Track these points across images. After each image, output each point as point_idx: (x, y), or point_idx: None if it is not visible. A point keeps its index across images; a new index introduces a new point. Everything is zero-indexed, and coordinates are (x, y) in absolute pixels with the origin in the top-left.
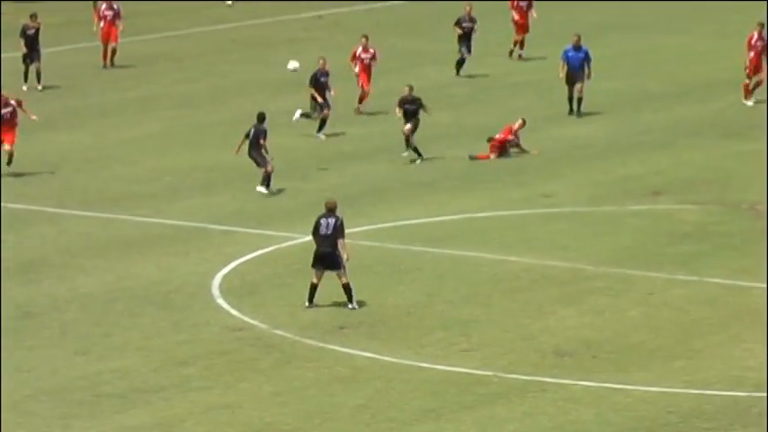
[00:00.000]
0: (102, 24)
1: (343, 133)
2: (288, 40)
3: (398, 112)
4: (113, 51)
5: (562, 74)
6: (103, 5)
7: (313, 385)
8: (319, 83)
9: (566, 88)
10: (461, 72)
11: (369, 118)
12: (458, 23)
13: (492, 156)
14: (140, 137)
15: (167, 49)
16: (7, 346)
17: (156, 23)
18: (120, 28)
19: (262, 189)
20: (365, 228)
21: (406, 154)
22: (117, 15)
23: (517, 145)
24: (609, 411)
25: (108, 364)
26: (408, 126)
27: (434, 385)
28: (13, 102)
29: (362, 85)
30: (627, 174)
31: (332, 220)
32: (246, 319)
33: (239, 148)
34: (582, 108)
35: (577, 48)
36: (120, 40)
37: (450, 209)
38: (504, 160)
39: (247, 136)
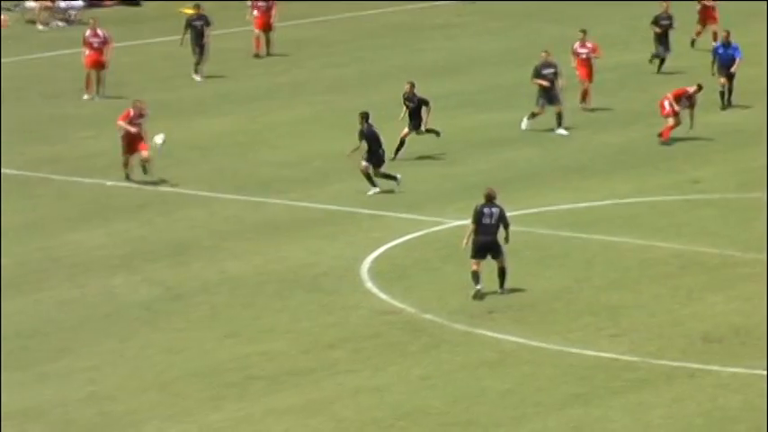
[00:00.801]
0: (256, 14)
1: (489, 119)
2: (440, 25)
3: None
4: (268, 40)
5: (714, 69)
6: None
7: (461, 369)
8: (542, 75)
9: (716, 80)
10: (662, 69)
11: (515, 103)
12: (655, 21)
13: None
14: (290, 121)
15: (317, 34)
16: (157, 327)
17: (307, 9)
18: (274, 19)
19: (375, 190)
20: (513, 213)
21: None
22: (271, 6)
23: (691, 106)
24: (757, 398)
25: (257, 346)
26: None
27: (582, 370)
28: (146, 113)
29: (582, 80)
30: None
31: (495, 210)
32: (395, 302)
33: (353, 150)
34: (732, 99)
35: (727, 44)
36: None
37: (598, 194)
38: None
39: (364, 140)
